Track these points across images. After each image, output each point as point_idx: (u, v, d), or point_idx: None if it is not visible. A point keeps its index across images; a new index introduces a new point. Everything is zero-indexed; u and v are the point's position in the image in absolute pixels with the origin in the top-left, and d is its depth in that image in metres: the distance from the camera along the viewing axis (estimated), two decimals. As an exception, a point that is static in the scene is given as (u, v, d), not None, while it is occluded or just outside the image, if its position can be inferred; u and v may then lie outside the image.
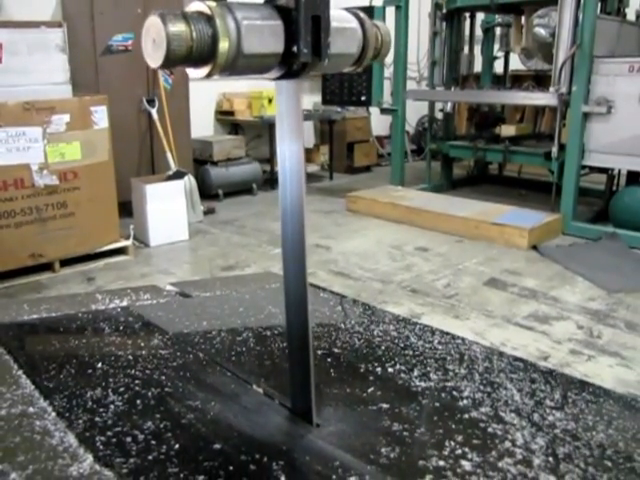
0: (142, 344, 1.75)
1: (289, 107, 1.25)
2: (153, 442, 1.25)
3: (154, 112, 5.45)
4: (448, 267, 4.30)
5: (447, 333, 1.91)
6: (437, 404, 1.46)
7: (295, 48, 1.10)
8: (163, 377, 1.54)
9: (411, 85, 7.78)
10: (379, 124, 8.16)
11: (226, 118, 7.19)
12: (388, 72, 6.73)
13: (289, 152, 1.27)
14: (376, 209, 5.72)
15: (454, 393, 1.50)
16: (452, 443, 1.28)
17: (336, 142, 7.77)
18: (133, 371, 1.56)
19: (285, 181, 1.30)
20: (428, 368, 1.64)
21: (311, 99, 7.60)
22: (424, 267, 4.31)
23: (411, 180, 6.80)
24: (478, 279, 4.05)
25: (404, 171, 6.53)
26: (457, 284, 3.96)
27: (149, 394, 1.45)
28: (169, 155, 5.39)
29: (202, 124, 6.83)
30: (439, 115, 7.16)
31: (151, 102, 5.48)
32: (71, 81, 4.32)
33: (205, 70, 1.06)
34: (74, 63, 4.44)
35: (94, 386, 1.48)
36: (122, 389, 1.47)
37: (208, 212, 5.76)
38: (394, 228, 5.35)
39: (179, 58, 1.00)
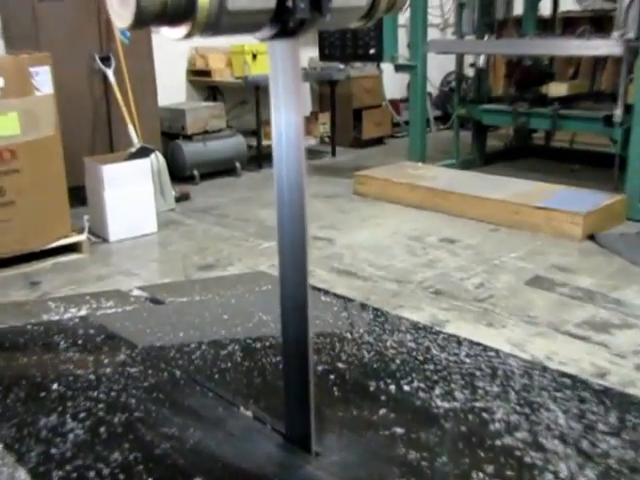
0: (106, 360, 1.80)
1: (285, 71, 1.30)
2: (121, 476, 1.30)
3: (110, 73, 5.46)
4: (481, 263, 4.35)
5: (477, 344, 1.97)
6: (463, 428, 1.52)
7: (290, 2, 1.14)
8: (132, 399, 1.59)
9: (433, 34, 7.77)
10: (393, 85, 8.13)
11: (201, 79, 7.19)
12: (403, 18, 6.70)
13: (286, 123, 1.32)
14: (391, 192, 5.76)
15: (484, 415, 1.56)
16: (480, 474, 1.33)
17: (339, 108, 7.76)
18: (96, 393, 1.62)
19: (281, 158, 1.34)
20: (453, 385, 1.69)
21: (306, 54, 7.49)
22: (450, 263, 4.35)
23: (434, 155, 6.82)
24: (518, 277, 4.09)
25: (426, 143, 6.55)
26: (492, 284, 4.00)
27: (115, 420, 1.50)
28: (131, 128, 5.41)
29: (171, 87, 6.82)
30: (469, 72, 7.17)
31: (106, 60, 5.48)
32: (3, 35, 4.31)
33: (183, 30, 1.10)
34: (5, 11, 4.41)
35: (49, 412, 1.53)
36: (83, 415, 1.52)
37: (181, 198, 5.81)
38: (413, 215, 5.40)
39: (152, 16, 1.04)
